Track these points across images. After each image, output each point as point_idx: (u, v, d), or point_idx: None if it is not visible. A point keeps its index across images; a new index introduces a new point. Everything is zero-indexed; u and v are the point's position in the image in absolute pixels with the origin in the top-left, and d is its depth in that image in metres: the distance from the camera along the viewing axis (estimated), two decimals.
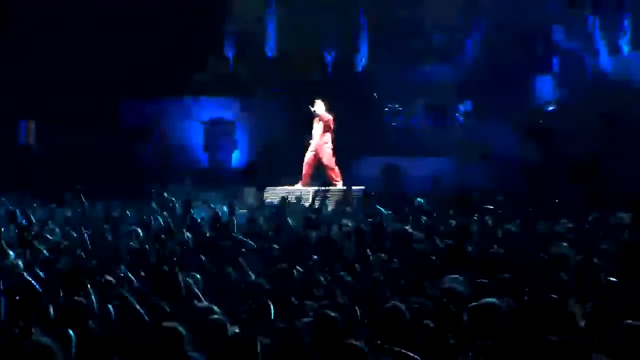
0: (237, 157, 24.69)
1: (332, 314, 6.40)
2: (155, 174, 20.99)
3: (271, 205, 17.13)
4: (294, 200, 17.13)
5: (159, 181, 19.54)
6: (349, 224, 12.14)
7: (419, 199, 15.62)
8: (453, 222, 11.50)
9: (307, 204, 16.23)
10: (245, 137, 24.60)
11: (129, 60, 23.03)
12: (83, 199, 14.40)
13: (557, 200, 13.83)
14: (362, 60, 25.10)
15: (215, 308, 7.21)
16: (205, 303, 7.38)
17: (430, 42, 25.33)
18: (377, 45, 24.78)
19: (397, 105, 23.42)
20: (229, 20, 25.29)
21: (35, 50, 22.92)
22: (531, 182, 20.03)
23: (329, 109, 19.84)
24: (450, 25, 25.41)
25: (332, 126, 19.71)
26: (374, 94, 23.53)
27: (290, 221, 12.77)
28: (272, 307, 7.13)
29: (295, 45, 24.33)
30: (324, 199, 15.78)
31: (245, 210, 16.05)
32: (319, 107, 19.96)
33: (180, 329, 6.33)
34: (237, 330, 6.60)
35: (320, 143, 20.02)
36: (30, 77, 22.44)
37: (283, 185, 20.16)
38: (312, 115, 19.98)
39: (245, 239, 10.87)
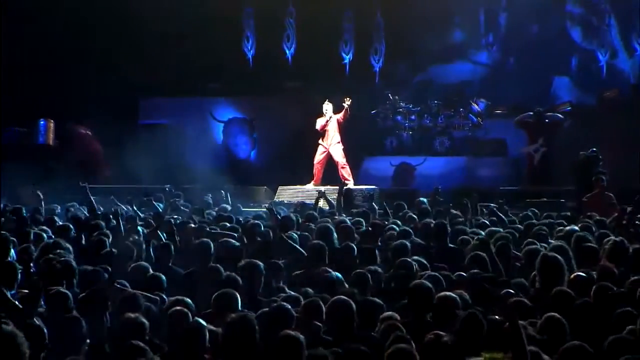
0: (255, 156, 25.00)
1: (286, 307, 6.69)
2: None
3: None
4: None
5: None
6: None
7: (421, 198, 15.83)
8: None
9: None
10: (263, 136, 24.87)
11: (149, 59, 23.39)
12: (89, 195, 14.75)
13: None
14: (379, 60, 25.31)
15: (188, 300, 7.55)
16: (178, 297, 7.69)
17: (448, 41, 25.45)
18: (394, 44, 24.93)
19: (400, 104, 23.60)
20: (248, 20, 25.60)
21: (54, 49, 23.34)
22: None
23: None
24: (469, 25, 25.53)
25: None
26: (388, 94, 23.67)
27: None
28: (238, 298, 7.41)
29: (313, 45, 24.59)
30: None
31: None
32: (329, 108, 20.35)
33: (142, 319, 6.68)
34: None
35: (333, 142, 20.39)
36: (49, 77, 22.91)
37: (295, 185, 20.49)
38: (328, 115, 20.39)
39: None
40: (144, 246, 10.41)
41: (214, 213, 14.64)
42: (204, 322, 6.65)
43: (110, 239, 10.90)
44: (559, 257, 8.19)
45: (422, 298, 7.41)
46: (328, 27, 24.86)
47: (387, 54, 25.22)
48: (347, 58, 25.49)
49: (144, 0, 23.07)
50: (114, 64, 22.95)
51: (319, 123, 20.41)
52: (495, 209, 14.50)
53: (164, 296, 8.27)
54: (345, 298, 6.87)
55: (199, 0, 24.14)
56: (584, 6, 25.07)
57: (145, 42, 23.48)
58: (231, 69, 24.79)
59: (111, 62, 22.90)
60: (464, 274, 8.55)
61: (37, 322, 6.65)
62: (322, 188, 18.82)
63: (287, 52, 25.64)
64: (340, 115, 20.31)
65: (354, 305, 6.81)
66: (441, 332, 6.41)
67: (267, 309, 7.02)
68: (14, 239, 10.83)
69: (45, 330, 6.48)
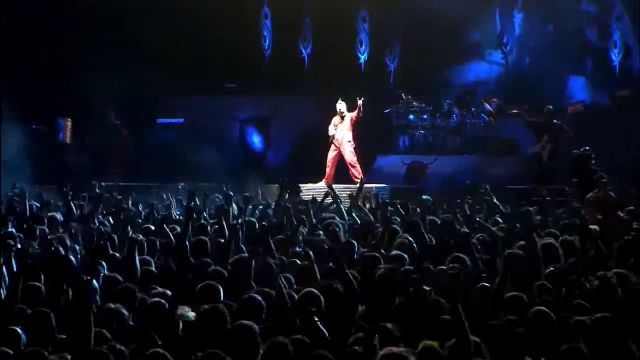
0: (271, 155, 25.31)
1: (256, 298, 7.00)
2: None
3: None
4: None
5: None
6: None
7: (425, 196, 16.09)
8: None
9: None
10: (278, 134, 25.15)
11: (166, 58, 23.71)
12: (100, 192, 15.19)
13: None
14: (394, 60, 25.53)
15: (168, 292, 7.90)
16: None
17: (463, 41, 25.60)
18: (409, 44, 25.10)
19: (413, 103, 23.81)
20: (265, 20, 25.92)
21: (70, 49, 23.76)
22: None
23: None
24: (484, 25, 25.66)
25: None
26: (401, 93, 23.90)
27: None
28: (220, 290, 7.73)
29: (329, 45, 24.85)
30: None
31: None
32: (343, 107, 20.67)
33: (122, 309, 7.03)
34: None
35: (344, 141, 20.71)
36: (66, 76, 23.32)
37: (308, 183, 20.74)
38: (341, 114, 20.73)
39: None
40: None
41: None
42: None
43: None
44: (522, 254, 8.45)
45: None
46: (344, 27, 25.12)
47: (402, 54, 25.40)
48: (363, 58, 25.73)
49: (162, 0, 23.55)
50: (131, 63, 23.24)
51: (332, 124, 20.77)
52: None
53: (160, 289, 8.62)
54: (313, 290, 7.13)
55: (216, 0, 24.49)
56: (598, 5, 25.15)
57: (162, 41, 23.77)
58: (248, 68, 25.06)
59: (128, 61, 23.20)
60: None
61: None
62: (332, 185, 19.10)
63: (303, 52, 25.91)
64: (354, 114, 20.64)
65: (322, 298, 7.06)
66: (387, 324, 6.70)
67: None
68: (21, 235, 11.35)
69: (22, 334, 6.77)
